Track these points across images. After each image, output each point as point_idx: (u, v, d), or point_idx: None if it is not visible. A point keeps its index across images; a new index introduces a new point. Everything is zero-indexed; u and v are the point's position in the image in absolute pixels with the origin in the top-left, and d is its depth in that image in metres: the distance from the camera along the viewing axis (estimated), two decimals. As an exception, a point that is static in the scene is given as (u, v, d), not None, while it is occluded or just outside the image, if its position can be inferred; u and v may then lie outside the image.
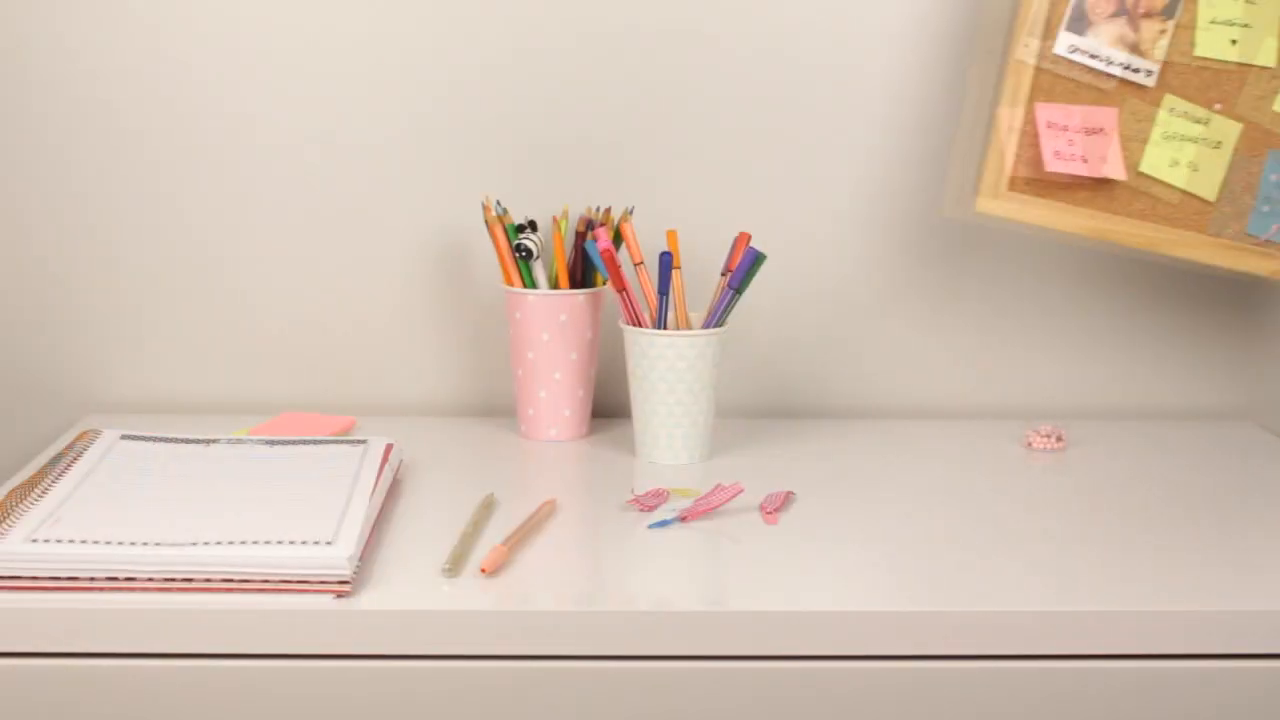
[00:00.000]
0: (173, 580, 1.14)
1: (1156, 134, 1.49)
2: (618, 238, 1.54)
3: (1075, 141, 1.47)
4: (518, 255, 1.53)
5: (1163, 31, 1.48)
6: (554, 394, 1.54)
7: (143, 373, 1.65)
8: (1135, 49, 1.48)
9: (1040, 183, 1.50)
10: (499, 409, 1.66)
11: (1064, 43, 1.49)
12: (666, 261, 1.46)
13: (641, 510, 1.34)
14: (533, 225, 1.55)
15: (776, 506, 1.34)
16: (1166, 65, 1.49)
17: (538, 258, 1.53)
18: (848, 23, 1.61)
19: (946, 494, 1.43)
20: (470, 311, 1.65)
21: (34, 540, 1.16)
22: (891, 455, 1.53)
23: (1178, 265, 1.57)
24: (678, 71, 1.61)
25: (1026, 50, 1.49)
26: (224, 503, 1.25)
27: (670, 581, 1.21)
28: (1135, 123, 1.50)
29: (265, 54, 1.60)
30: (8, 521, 1.20)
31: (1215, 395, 1.69)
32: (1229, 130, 1.49)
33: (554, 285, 1.55)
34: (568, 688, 1.13)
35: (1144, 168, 1.50)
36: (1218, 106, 1.49)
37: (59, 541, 1.15)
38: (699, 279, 1.63)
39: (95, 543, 1.15)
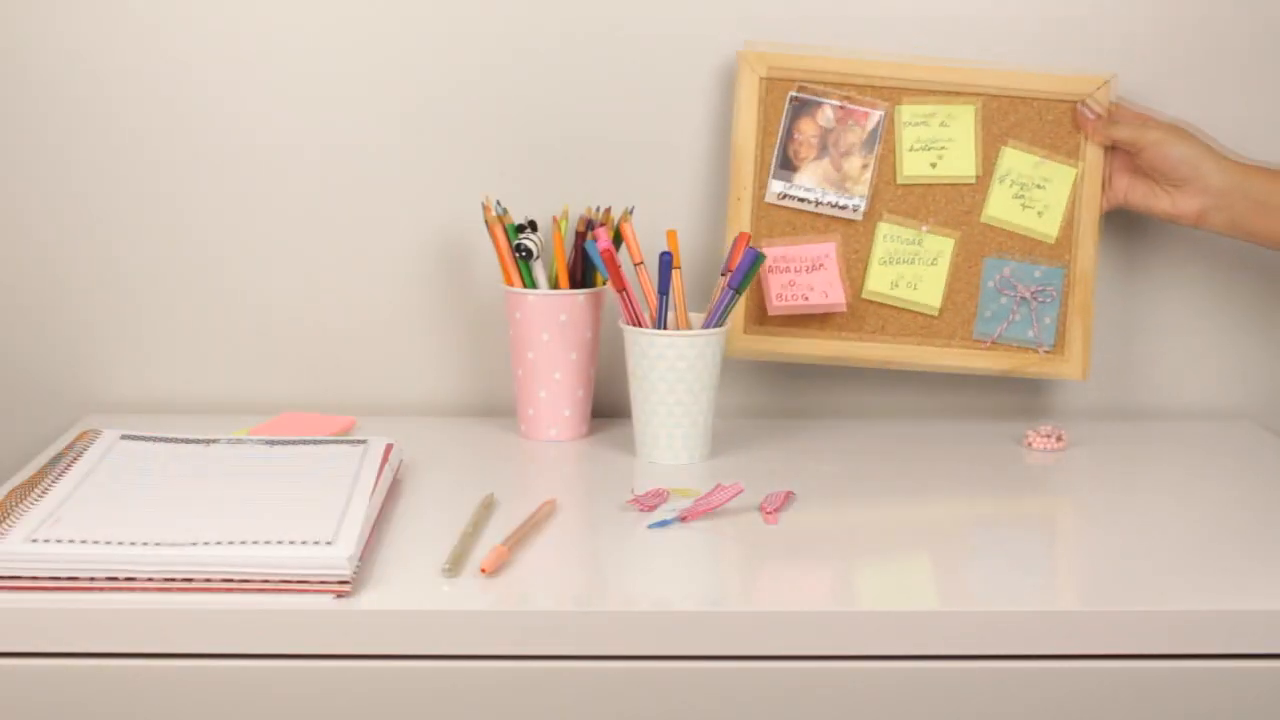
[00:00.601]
0: (173, 580, 1.14)
1: (875, 258, 1.57)
2: (618, 238, 1.54)
3: (797, 281, 1.55)
4: (518, 255, 1.53)
5: (865, 165, 1.56)
6: (554, 394, 1.54)
7: (143, 373, 1.64)
8: (842, 185, 1.56)
9: (774, 319, 1.58)
10: (499, 409, 1.66)
11: (774, 189, 1.56)
12: (666, 261, 1.46)
13: (641, 510, 1.34)
14: (533, 225, 1.55)
15: (776, 506, 1.34)
16: (875, 194, 1.57)
17: (538, 258, 1.53)
18: (845, 24, 1.61)
19: (946, 494, 1.43)
20: (470, 311, 1.65)
21: (34, 540, 1.15)
22: (891, 455, 1.53)
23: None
24: (678, 72, 1.61)
25: (740, 202, 1.56)
26: (224, 503, 1.25)
27: (670, 581, 1.21)
28: (854, 251, 1.57)
29: (265, 54, 1.60)
30: (8, 521, 1.20)
31: (1215, 395, 1.69)
32: (943, 245, 1.57)
33: (554, 285, 1.55)
34: (568, 688, 1.13)
35: (867, 292, 1.57)
36: (925, 226, 1.57)
37: (59, 541, 1.15)
38: (699, 279, 1.63)
39: (95, 543, 1.15)
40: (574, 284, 1.54)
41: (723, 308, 1.47)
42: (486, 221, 1.54)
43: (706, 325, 1.47)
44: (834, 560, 1.25)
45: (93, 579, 1.14)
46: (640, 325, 1.48)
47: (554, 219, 1.57)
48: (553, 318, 1.52)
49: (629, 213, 1.55)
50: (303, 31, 1.60)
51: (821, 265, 1.55)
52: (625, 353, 1.49)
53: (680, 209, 1.63)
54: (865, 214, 1.57)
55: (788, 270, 1.56)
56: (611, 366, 1.63)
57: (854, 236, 1.57)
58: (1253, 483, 1.46)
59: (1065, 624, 1.14)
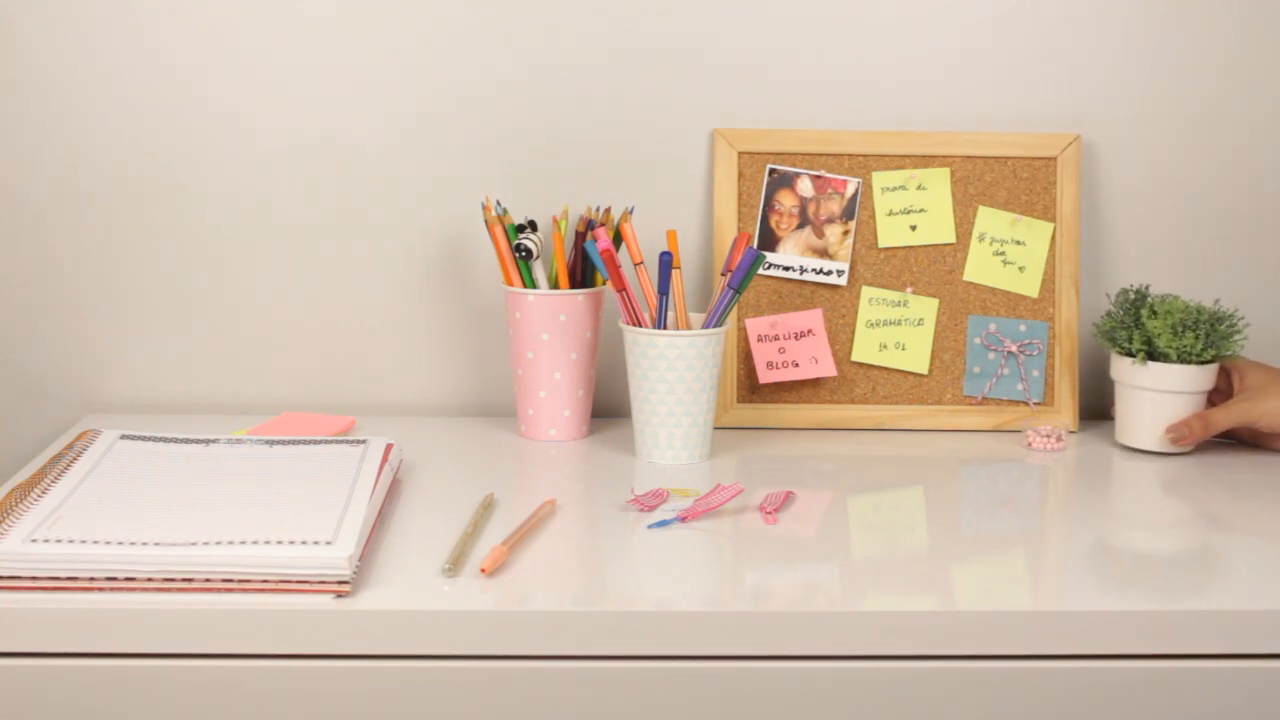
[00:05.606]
0: (173, 580, 1.14)
1: (861, 323, 1.59)
2: (618, 238, 1.54)
3: (786, 349, 1.58)
4: (518, 255, 1.53)
5: (846, 232, 1.59)
6: (554, 394, 1.54)
7: (143, 373, 1.64)
8: (824, 253, 1.58)
9: (765, 389, 1.60)
10: (499, 409, 1.66)
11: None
12: (666, 261, 1.46)
13: (641, 510, 1.34)
14: (533, 225, 1.55)
15: (776, 506, 1.34)
16: (857, 259, 1.59)
17: (538, 258, 1.53)
18: (842, 24, 1.61)
19: (946, 494, 1.43)
20: (470, 311, 1.65)
21: (34, 540, 1.16)
22: (891, 455, 1.53)
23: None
24: (677, 73, 1.61)
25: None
26: (224, 503, 1.25)
27: (670, 581, 1.21)
28: (840, 317, 1.60)
29: (266, 55, 1.60)
30: (8, 521, 1.20)
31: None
32: (927, 307, 1.60)
33: (554, 285, 1.55)
34: (568, 688, 1.13)
35: (855, 357, 1.60)
36: (909, 289, 1.59)
37: (59, 541, 1.15)
38: (699, 279, 1.63)
39: (95, 543, 1.15)
40: (574, 284, 1.54)
41: (723, 308, 1.47)
42: (486, 221, 1.54)
43: (706, 325, 1.47)
44: (834, 560, 1.25)
45: (93, 579, 1.14)
46: (640, 325, 1.48)
47: (554, 219, 1.57)
48: (553, 318, 1.52)
49: (629, 213, 1.55)
50: (305, 34, 1.60)
51: (810, 332, 1.57)
52: (625, 353, 1.49)
53: (680, 209, 1.63)
54: (849, 280, 1.59)
55: (776, 339, 1.57)
56: (611, 366, 1.63)
57: (839, 302, 1.59)
58: (1252, 483, 1.46)
59: (1064, 624, 1.14)
